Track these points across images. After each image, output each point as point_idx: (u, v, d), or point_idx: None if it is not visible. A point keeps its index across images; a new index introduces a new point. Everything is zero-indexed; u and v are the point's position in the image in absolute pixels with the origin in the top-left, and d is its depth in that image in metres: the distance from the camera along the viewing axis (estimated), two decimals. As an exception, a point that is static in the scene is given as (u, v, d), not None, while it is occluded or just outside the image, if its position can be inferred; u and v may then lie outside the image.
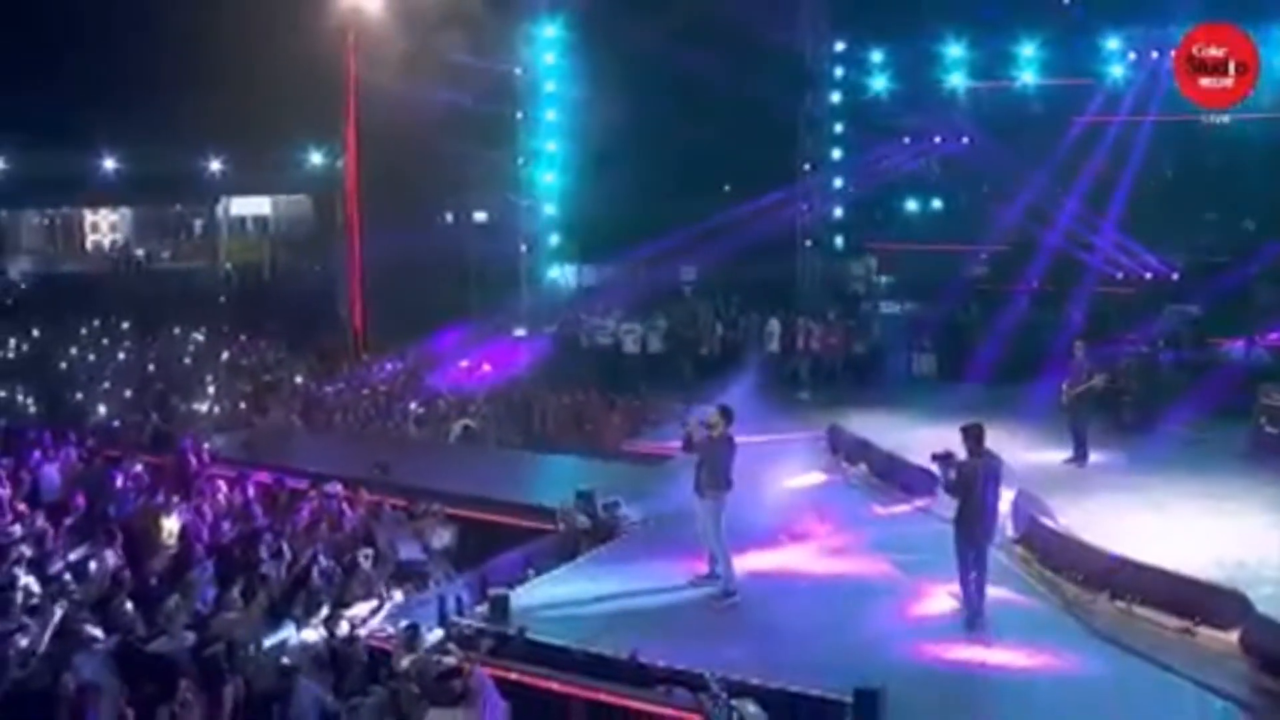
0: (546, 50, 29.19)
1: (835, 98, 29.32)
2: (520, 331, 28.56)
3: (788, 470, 16.56)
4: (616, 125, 26.74)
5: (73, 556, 12.75)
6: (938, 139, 29.06)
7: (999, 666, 10.72)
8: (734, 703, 9.26)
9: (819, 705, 9.54)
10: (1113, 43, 25.91)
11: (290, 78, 28.79)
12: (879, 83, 28.77)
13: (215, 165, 44.53)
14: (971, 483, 11.85)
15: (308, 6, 28.02)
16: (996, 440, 17.71)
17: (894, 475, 16.46)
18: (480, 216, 34.96)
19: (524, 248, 30.10)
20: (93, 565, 12.34)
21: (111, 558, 12.45)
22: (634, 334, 26.23)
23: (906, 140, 29.18)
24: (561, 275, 31.93)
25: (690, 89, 26.00)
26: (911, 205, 31.20)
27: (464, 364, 25.63)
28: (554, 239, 30.46)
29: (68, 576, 12.06)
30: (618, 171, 27.33)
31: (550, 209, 30.05)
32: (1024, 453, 17.82)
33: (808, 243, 29.55)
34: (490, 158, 29.79)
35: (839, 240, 30.52)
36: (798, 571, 13.33)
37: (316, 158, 40.58)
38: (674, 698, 9.77)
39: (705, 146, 26.88)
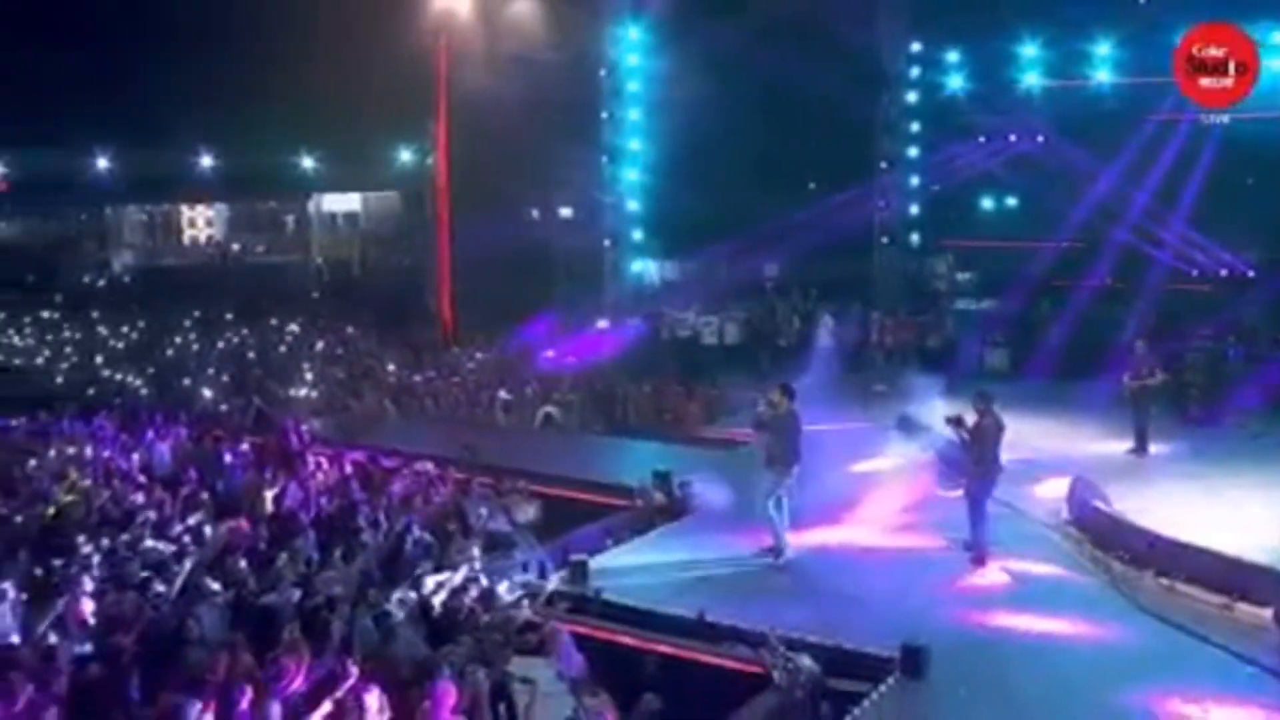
0: (631, 52, 29.94)
1: (912, 97, 29.79)
2: (603, 323, 29.38)
3: (858, 455, 17.26)
4: (698, 124, 27.30)
5: (190, 522, 13.86)
6: (1013, 137, 29.39)
7: (1042, 633, 11.45)
8: (790, 654, 10.11)
9: (869, 660, 10.36)
10: (1188, 40, 26.12)
11: (381, 77, 29.73)
12: (955, 82, 29.16)
13: (307, 163, 45.66)
14: (986, 438, 13.52)
15: (399, 8, 29.05)
16: (1062, 431, 18.57)
17: (957, 461, 17.06)
18: (566, 212, 35.84)
19: (608, 243, 30.98)
20: (208, 530, 13.45)
21: (239, 525, 13.55)
22: (711, 326, 27.05)
23: (982, 139, 29.53)
24: (644, 270, 32.73)
25: (770, 89, 26.53)
26: (987, 203, 31.50)
27: (549, 354, 26.64)
28: (637, 234, 31.26)
29: (187, 539, 13.19)
30: (699, 169, 27.91)
31: (634, 205, 30.85)
32: (1088, 443, 18.55)
33: (884, 239, 30.15)
34: (576, 156, 30.57)
35: (915, 237, 31.02)
36: (858, 545, 14.17)
37: (405, 155, 41.49)
38: (736, 652, 10.65)
39: (785, 145, 27.44)
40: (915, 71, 29.69)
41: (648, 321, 28.81)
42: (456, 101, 30.26)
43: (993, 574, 13.02)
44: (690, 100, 27.59)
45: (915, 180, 30.41)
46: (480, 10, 29.26)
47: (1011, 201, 31.06)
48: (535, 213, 36.76)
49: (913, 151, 30.08)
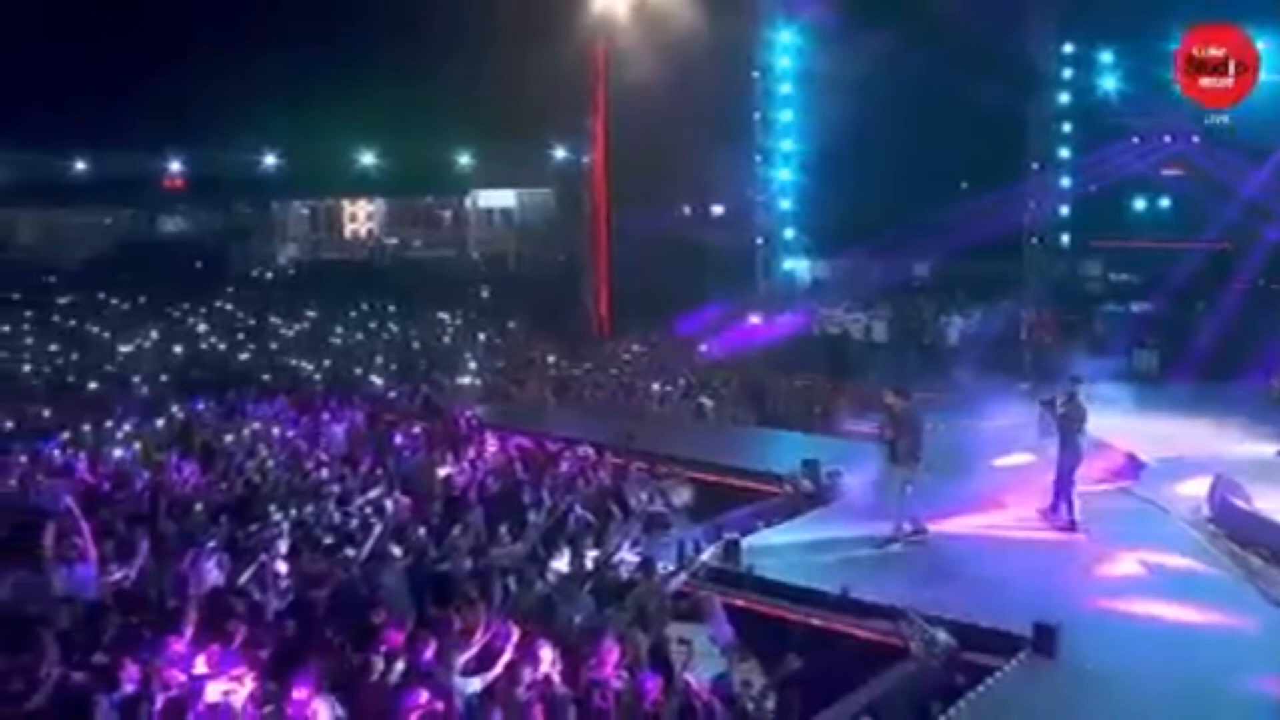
0: (783, 55, 30.64)
1: (1064, 98, 29.95)
2: (755, 319, 30.08)
3: (998, 450, 17.70)
4: (851, 126, 27.75)
5: (370, 495, 15.03)
6: (1167, 138, 29.26)
7: (1175, 621, 11.83)
8: (927, 627, 10.80)
9: (1002, 637, 10.96)
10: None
11: (538, 78, 30.77)
12: (1108, 83, 29.20)
13: (464, 160, 47.04)
14: (1075, 421, 14.78)
15: (557, 10, 30.08)
16: (1208, 432, 18.71)
17: (1097, 457, 17.43)
18: (717, 210, 36.61)
19: (760, 240, 31.69)
20: (388, 504, 14.58)
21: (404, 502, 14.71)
22: (859, 323, 27.62)
23: (1136, 140, 29.48)
24: (795, 267, 33.35)
25: (922, 91, 26.88)
26: (1139, 204, 31.42)
27: (703, 348, 27.51)
28: (789, 233, 31.90)
29: (368, 510, 14.35)
30: (851, 170, 28.47)
31: (786, 204, 31.51)
32: (1234, 445, 18.61)
33: (1034, 240, 30.34)
34: (728, 155, 31.33)
35: (1065, 238, 31.12)
36: (997, 533, 14.74)
37: (560, 153, 42.58)
38: (877, 625, 11.36)
39: (936, 146, 27.79)
40: (1067, 73, 29.81)
41: (806, 316, 29.37)
42: (612, 101, 31.23)
43: (1129, 564, 13.45)
44: (843, 102, 28.07)
45: (1066, 181, 30.50)
46: (637, 13, 30.16)
47: (1164, 203, 30.95)
48: (686, 210, 37.61)
49: (1064, 152, 30.21)
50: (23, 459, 16.79)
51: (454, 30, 32.80)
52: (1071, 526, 14.63)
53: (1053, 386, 20.36)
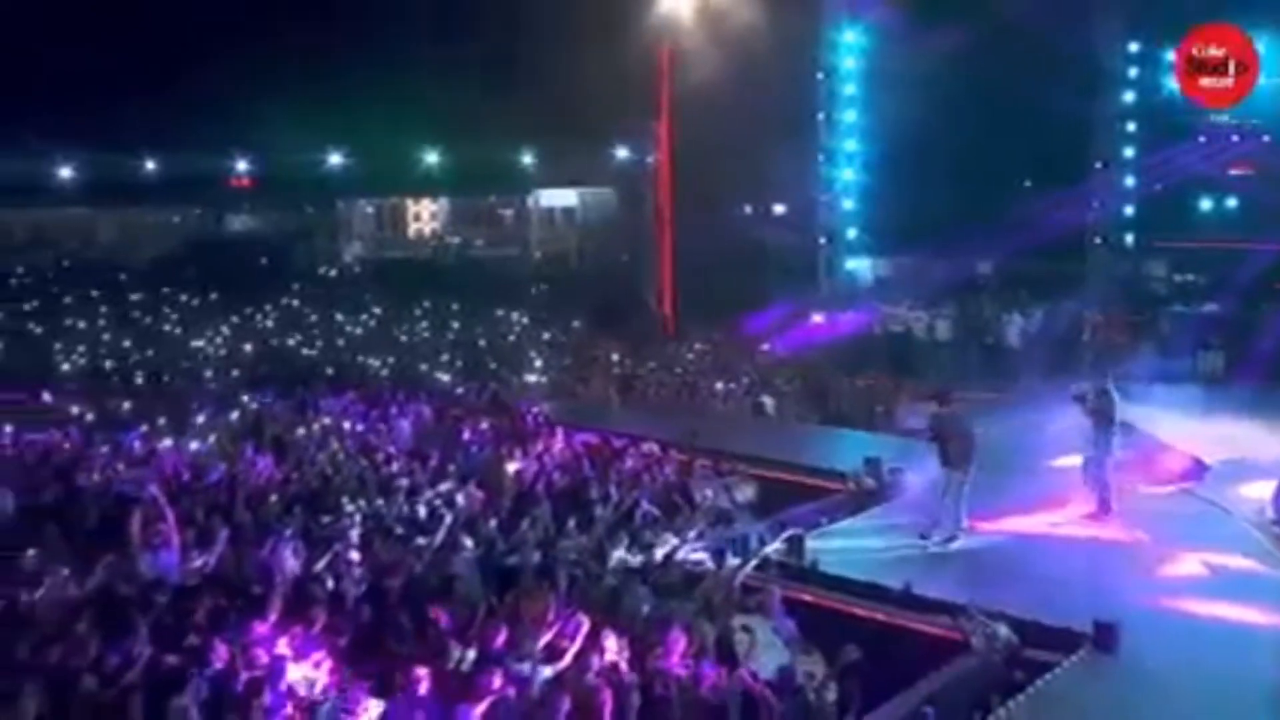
0: (847, 55, 30.73)
1: (1129, 97, 29.83)
2: (818, 318, 30.21)
3: (1059, 450, 17.73)
4: (915, 125, 27.81)
5: (440, 489, 15.39)
6: (1235, 137, 29.07)
7: (1237, 621, 11.92)
8: (988, 622, 10.97)
9: (1062, 633, 11.11)
10: None
11: (601, 78, 31.02)
12: (1174, 82, 29.00)
13: (527, 159, 47.32)
14: (1106, 412, 15.29)
15: (621, 12, 30.33)
16: (1274, 435, 18.67)
17: (1160, 459, 17.49)
18: (779, 209, 36.70)
19: (823, 240, 31.80)
20: (459, 497, 14.93)
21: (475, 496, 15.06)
22: (922, 322, 27.73)
23: (1201, 139, 29.32)
24: (858, 267, 33.43)
25: (986, 90, 26.83)
26: (1205, 204, 31.20)
27: (766, 347, 27.70)
28: (852, 232, 31.98)
29: (438, 503, 14.71)
30: (915, 169, 28.54)
31: (849, 204, 31.60)
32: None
33: (1098, 240, 30.24)
34: (791, 155, 31.43)
35: (1129, 238, 30.97)
36: (1057, 533, 14.89)
37: (623, 152, 42.75)
38: (938, 620, 11.54)
39: (1000, 145, 27.68)
40: (1133, 72, 29.69)
41: (869, 315, 29.47)
42: (677, 101, 31.44)
43: (1191, 564, 13.54)
44: (907, 101, 28.11)
45: (1130, 181, 30.36)
46: (702, 13, 30.37)
47: (1231, 202, 30.72)
48: (748, 209, 37.73)
49: (1129, 152, 30.09)
50: (104, 449, 17.39)
51: (517, 30, 33.09)
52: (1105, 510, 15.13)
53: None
